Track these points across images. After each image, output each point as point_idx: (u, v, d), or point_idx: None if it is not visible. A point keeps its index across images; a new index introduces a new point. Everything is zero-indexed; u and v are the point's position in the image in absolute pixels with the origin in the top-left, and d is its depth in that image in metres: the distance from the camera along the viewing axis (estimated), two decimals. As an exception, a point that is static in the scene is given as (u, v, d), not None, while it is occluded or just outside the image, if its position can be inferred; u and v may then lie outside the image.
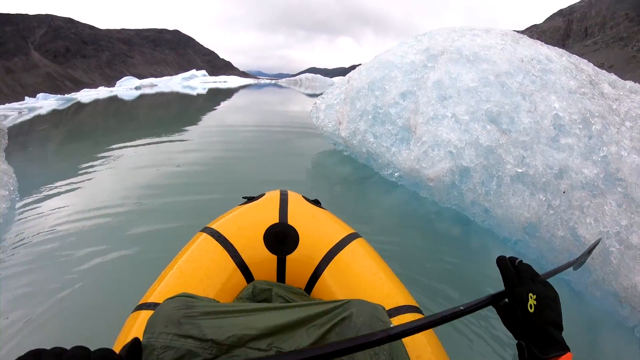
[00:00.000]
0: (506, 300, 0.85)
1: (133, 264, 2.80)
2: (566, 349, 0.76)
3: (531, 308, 0.80)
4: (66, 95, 25.62)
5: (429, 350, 1.23)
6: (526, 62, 3.56)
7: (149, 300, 1.36)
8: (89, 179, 4.97)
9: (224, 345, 0.89)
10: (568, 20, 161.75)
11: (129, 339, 1.06)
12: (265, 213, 1.71)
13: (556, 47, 4.23)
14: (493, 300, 0.86)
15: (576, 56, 4.12)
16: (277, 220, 1.66)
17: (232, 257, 1.54)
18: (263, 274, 1.58)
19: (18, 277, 2.68)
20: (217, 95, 23.81)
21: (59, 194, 4.42)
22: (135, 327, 1.26)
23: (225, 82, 45.06)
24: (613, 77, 3.91)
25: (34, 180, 4.97)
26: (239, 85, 39.66)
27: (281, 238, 1.62)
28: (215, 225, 1.67)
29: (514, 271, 0.86)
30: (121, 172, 5.28)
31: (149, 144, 7.27)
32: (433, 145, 3.50)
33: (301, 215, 1.73)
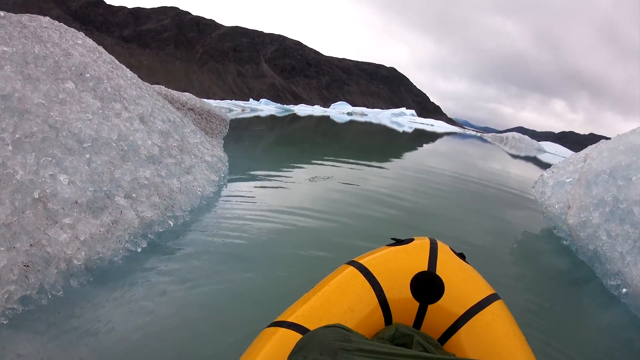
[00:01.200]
0: None
1: (276, 279, 2.83)
2: None
3: None
4: (285, 105, 29.10)
5: None
6: None
7: (289, 319, 1.39)
8: (285, 183, 5.40)
9: None
10: None
11: (262, 353, 1.27)
12: (415, 259, 1.71)
13: None
14: None
15: None
16: (425, 268, 1.66)
17: (376, 295, 1.56)
18: (402, 317, 1.58)
19: (183, 260, 2.91)
20: (422, 137, 23.78)
21: (255, 191, 4.87)
22: (271, 343, 1.30)
23: (432, 125, 44.94)
24: None
25: (241, 172, 5.57)
26: (445, 131, 39.02)
27: (427, 286, 1.62)
28: (364, 261, 1.70)
29: None
30: (312, 185, 5.57)
31: (345, 166, 7.50)
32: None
33: (449, 266, 1.71)
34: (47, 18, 4.27)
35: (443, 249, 1.83)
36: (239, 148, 7.85)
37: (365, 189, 5.73)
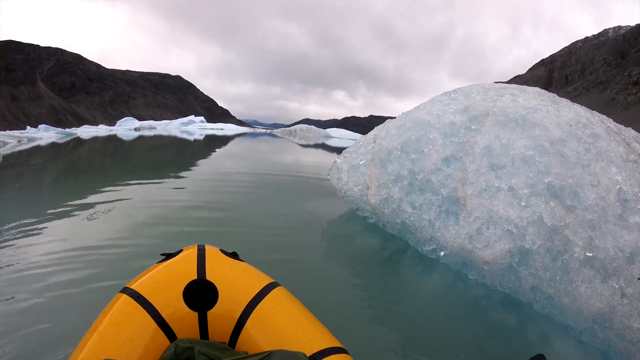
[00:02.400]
0: None
1: (50, 329, 2.38)
2: None
3: None
4: (67, 130, 25.70)
5: None
6: (574, 127, 3.29)
7: None
8: (71, 222, 4.58)
9: None
10: (549, 69, 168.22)
11: None
12: (183, 269, 1.71)
13: (575, 103, 4.07)
14: None
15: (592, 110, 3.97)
16: (195, 277, 1.67)
17: (152, 317, 1.52)
18: (185, 331, 1.58)
19: None
20: (214, 142, 24.19)
21: (26, 247, 3.76)
22: None
23: (222, 129, 45.72)
24: (632, 132, 3.78)
25: (7, 228, 4.30)
26: (235, 132, 40.17)
27: (200, 294, 1.63)
28: (135, 285, 1.64)
29: None
30: (101, 215, 4.85)
31: (140, 185, 7.08)
32: (488, 223, 3.06)
33: (219, 269, 1.75)
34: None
35: (212, 253, 1.85)
36: (6, 194, 6.50)
37: (163, 204, 5.47)
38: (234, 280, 1.73)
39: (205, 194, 6.35)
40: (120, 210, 5.05)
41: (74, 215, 4.75)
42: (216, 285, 1.67)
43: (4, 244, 3.75)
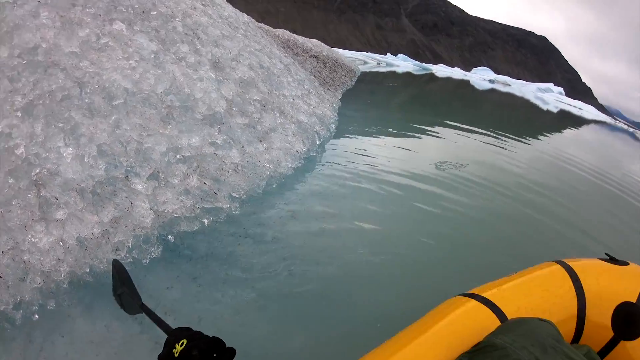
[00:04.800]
0: None
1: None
2: None
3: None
4: (423, 64, 27.56)
5: None
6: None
7: (482, 294, 1.34)
8: (403, 155, 4.82)
9: None
10: None
11: (449, 320, 1.26)
12: (626, 285, 1.51)
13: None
14: None
15: None
16: (634, 300, 1.46)
17: (578, 306, 1.45)
18: (591, 341, 1.45)
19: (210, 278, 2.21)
20: (566, 119, 21.45)
21: (359, 163, 4.13)
22: (461, 311, 1.27)
23: (580, 109, 39.39)
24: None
25: (348, 135, 4.94)
26: (593, 118, 33.87)
27: (630, 320, 1.43)
28: (572, 263, 1.56)
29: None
30: (438, 153, 5.00)
31: (480, 139, 6.78)
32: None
33: None
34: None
35: None
36: (359, 104, 7.17)
37: (503, 171, 5.12)
38: None
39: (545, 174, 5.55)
40: (454, 155, 5.00)
41: (412, 150, 4.97)
42: None
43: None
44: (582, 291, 1.48)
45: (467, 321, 1.28)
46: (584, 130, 18.91)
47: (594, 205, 5.06)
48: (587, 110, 41.19)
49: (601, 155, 11.42)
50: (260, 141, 3.21)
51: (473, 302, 1.34)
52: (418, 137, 5.67)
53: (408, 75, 18.43)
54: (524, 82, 42.18)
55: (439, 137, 5.71)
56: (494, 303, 1.31)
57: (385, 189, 3.51)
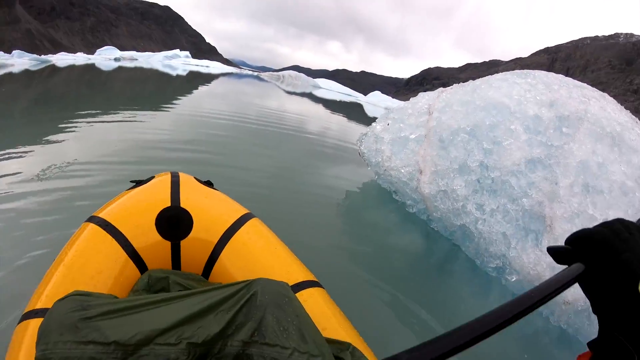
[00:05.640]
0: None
1: (12, 260, 2.25)
2: None
3: None
4: (42, 56, 24.48)
5: (335, 321, 1.29)
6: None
7: (37, 307, 1.20)
8: (30, 146, 4.38)
9: (129, 345, 0.81)
10: (552, 59, 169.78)
11: (21, 355, 1.05)
12: (156, 196, 1.61)
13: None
14: (581, 276, 0.52)
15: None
16: (169, 204, 1.56)
17: (123, 247, 1.43)
18: (157, 262, 1.50)
19: None
20: (197, 79, 23.61)
21: None
22: (27, 339, 1.11)
23: (207, 67, 44.11)
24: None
25: None
26: (221, 72, 38.92)
27: (174, 222, 1.54)
28: (103, 214, 1.53)
29: (608, 231, 0.53)
30: (65, 146, 4.67)
31: (113, 120, 6.69)
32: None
33: (194, 197, 1.64)
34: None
35: (186, 180, 1.74)
36: None
37: (136, 137, 5.32)
38: (210, 209, 1.64)
39: (181, 132, 6.23)
40: (89, 141, 4.90)
41: (41, 144, 4.59)
42: (191, 214, 1.57)
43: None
44: (118, 231, 1.48)
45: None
46: (215, 84, 21.66)
47: (240, 143, 6.07)
48: (214, 66, 46.79)
49: (233, 101, 13.58)
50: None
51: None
52: (54, 142, 5.22)
53: (26, 73, 15.80)
54: (151, 53, 43.33)
55: (74, 132, 5.48)
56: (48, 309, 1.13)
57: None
